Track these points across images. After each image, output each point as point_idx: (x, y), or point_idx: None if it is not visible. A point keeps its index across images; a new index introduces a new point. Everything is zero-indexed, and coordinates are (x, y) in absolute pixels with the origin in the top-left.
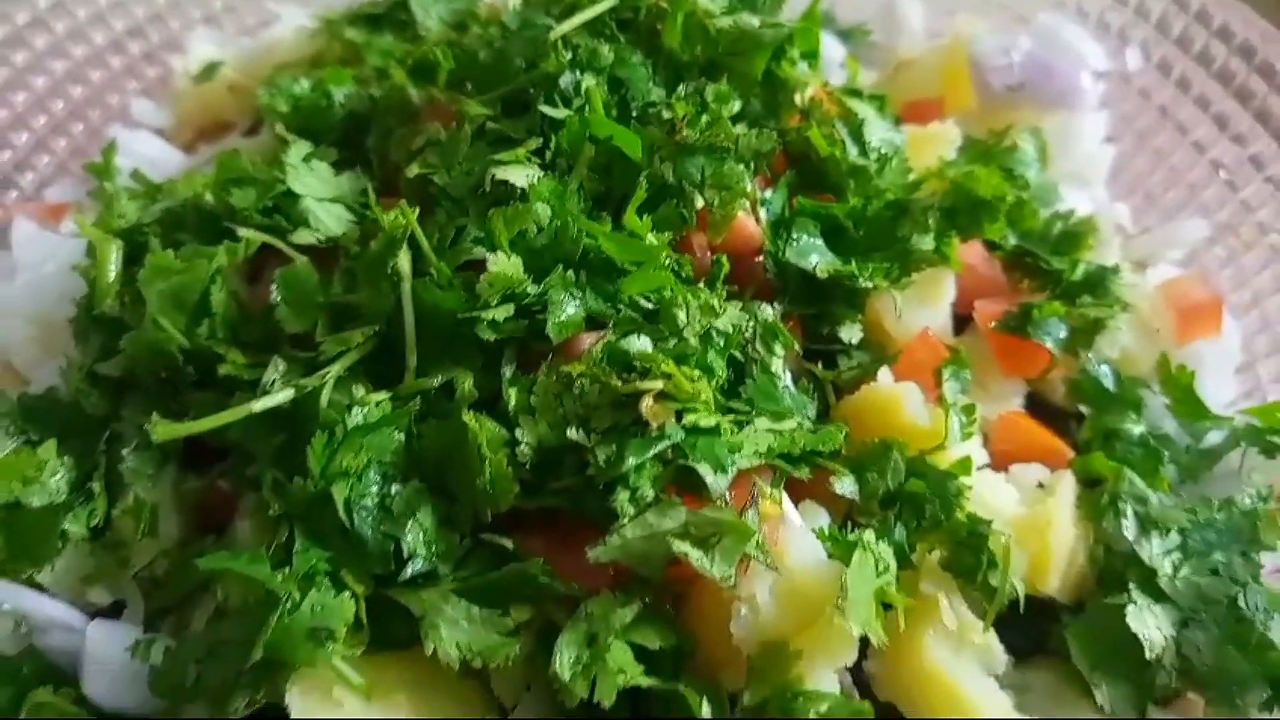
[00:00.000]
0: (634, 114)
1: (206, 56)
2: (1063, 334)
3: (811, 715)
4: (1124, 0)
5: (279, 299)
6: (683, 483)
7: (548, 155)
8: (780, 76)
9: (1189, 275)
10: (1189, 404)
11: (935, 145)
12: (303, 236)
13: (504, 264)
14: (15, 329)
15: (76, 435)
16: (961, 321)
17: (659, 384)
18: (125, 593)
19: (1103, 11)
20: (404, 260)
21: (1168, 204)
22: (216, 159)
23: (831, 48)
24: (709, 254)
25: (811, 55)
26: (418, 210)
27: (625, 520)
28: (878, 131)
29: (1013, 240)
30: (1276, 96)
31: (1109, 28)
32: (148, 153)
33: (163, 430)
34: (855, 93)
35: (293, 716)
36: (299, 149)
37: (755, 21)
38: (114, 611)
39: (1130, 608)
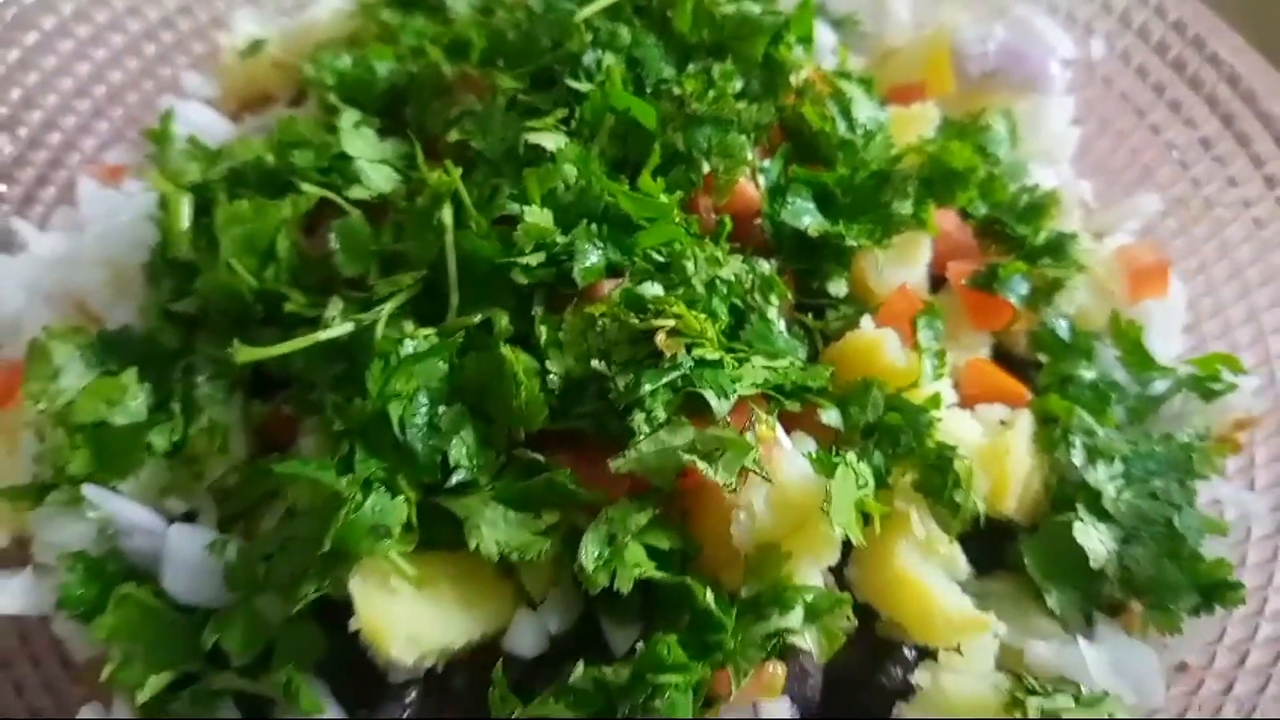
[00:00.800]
0: (648, 89)
1: (251, 34)
2: (1025, 291)
3: (799, 605)
4: None
5: (337, 246)
6: (690, 407)
7: (573, 124)
8: (778, 58)
9: (1141, 242)
10: (1137, 355)
11: (916, 124)
12: (356, 192)
13: (537, 216)
14: (90, 275)
15: (152, 366)
16: (937, 282)
17: (671, 322)
18: (199, 502)
19: (1071, 5)
20: (447, 214)
21: (1126, 181)
22: (277, 125)
23: (824, 35)
24: (714, 214)
25: (806, 40)
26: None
27: (641, 438)
28: (864, 109)
29: (984, 210)
30: (1223, 84)
31: (1076, 20)
32: (199, 121)
33: (244, 354)
34: (845, 75)
35: (355, 603)
36: (349, 115)
37: (756, 9)
38: (188, 519)
39: (1077, 524)
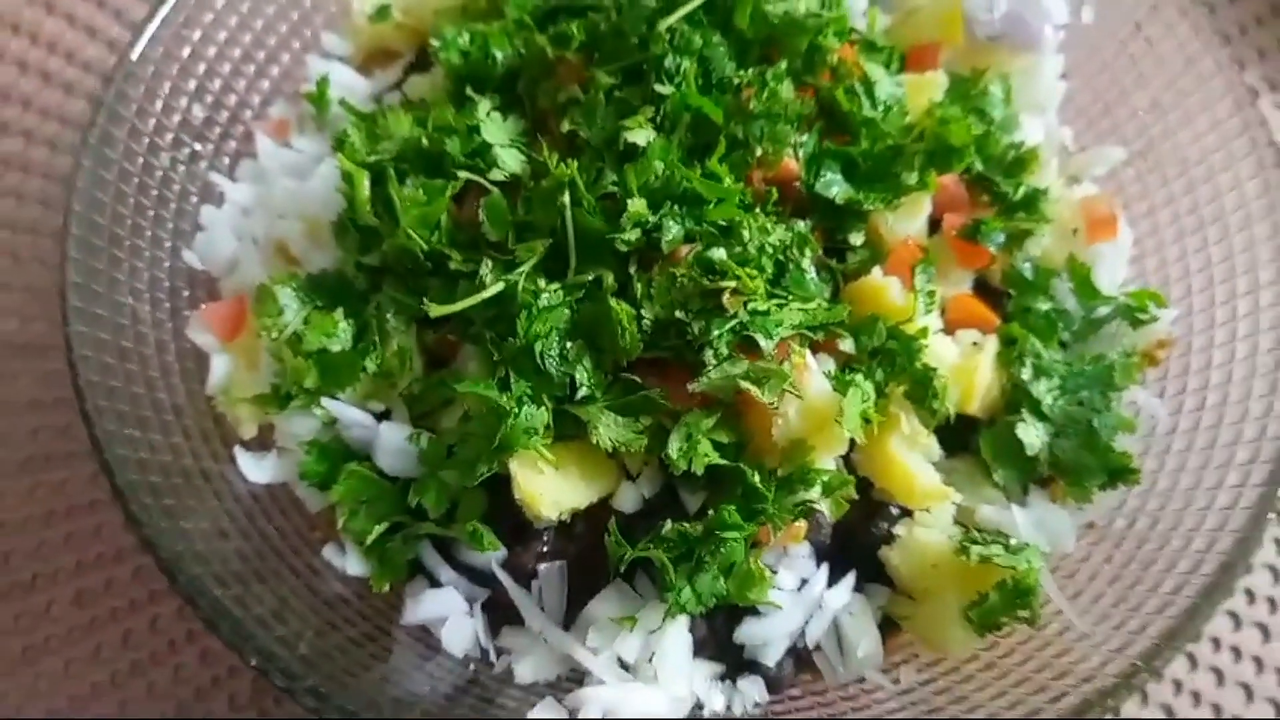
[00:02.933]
0: (715, 80)
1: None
2: (1001, 240)
3: (818, 484)
4: None
5: (484, 218)
6: (745, 344)
7: (658, 119)
8: (819, 47)
9: (1100, 194)
10: (1085, 288)
11: (928, 90)
12: (495, 175)
13: (637, 205)
14: (289, 227)
15: (349, 303)
16: (935, 224)
17: (733, 283)
18: (393, 404)
19: None
20: (566, 196)
21: (1100, 130)
22: (431, 117)
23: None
24: (764, 184)
25: (841, 34)
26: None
27: (710, 368)
28: (885, 88)
29: (979, 166)
30: (1179, 61)
31: None
32: (342, 80)
33: (435, 310)
34: (871, 45)
35: (515, 479)
36: (484, 105)
37: (802, 8)
38: (385, 416)
39: (1020, 424)
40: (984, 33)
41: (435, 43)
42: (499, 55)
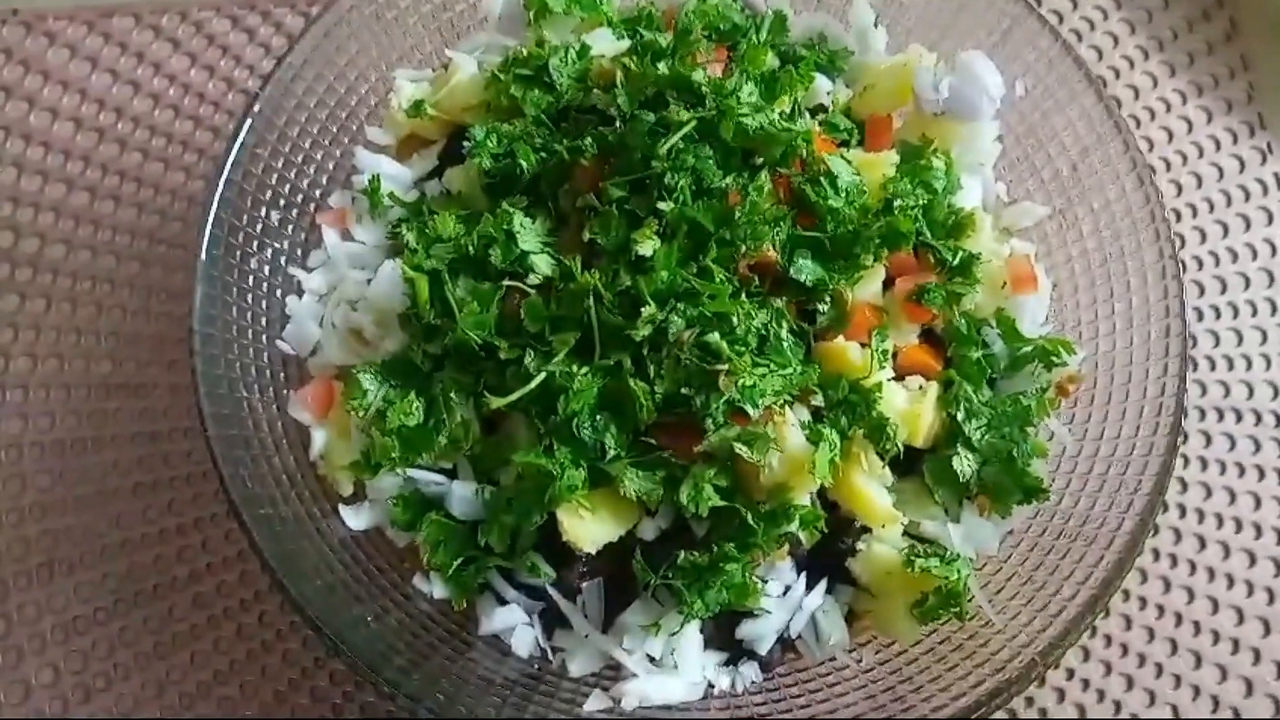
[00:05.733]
0: (705, 189)
1: (411, 94)
2: (941, 301)
3: (797, 518)
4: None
5: (525, 316)
6: (738, 412)
7: (661, 228)
8: (792, 149)
9: (1022, 256)
10: (1011, 334)
11: (881, 166)
12: (532, 280)
13: (650, 310)
14: (362, 317)
15: (418, 383)
16: (890, 280)
17: (727, 366)
18: (459, 463)
19: (1002, 59)
20: (590, 299)
21: (1029, 186)
22: (477, 230)
23: (821, 81)
24: (748, 271)
25: (808, 140)
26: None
27: (711, 433)
28: (845, 178)
29: (926, 233)
30: (1090, 134)
31: (1006, 68)
32: (387, 170)
33: (495, 402)
34: (834, 126)
35: (561, 523)
36: (518, 217)
37: (776, 119)
38: (453, 472)
39: (955, 458)
40: (930, 109)
41: (468, 144)
42: (524, 163)
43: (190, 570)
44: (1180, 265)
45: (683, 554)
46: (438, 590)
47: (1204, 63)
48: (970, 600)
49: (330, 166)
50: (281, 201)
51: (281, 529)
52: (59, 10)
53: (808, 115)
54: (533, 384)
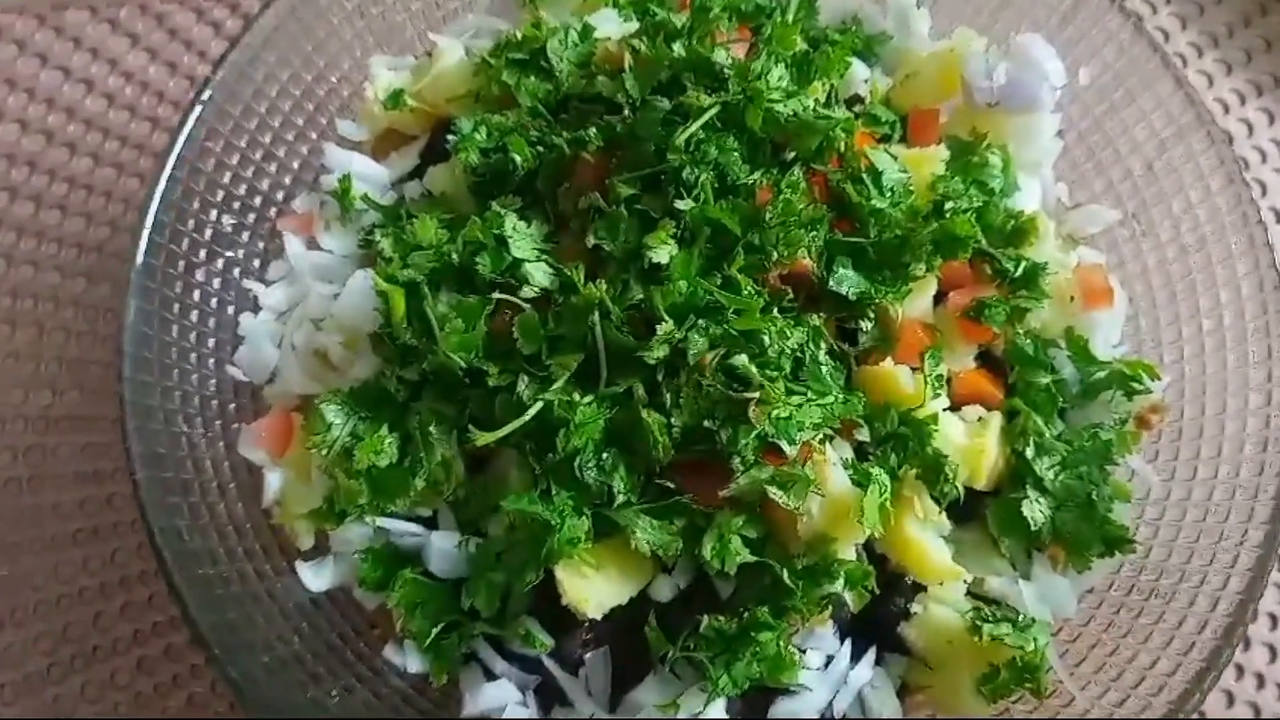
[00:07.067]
0: (730, 185)
1: (389, 83)
2: (1002, 318)
3: (841, 576)
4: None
5: (518, 335)
6: (770, 449)
7: (679, 231)
8: (829, 142)
9: (1095, 265)
10: (1082, 356)
11: (930, 164)
12: (526, 292)
13: (666, 328)
14: (328, 339)
15: (392, 414)
16: (940, 294)
17: (757, 394)
18: (440, 508)
19: (1064, 43)
20: (596, 315)
21: (1094, 188)
22: (462, 235)
23: (858, 68)
24: (779, 282)
25: (849, 131)
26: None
27: (739, 474)
28: (890, 174)
29: (980, 240)
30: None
31: (1068, 52)
32: (361, 170)
33: (482, 439)
34: (874, 118)
35: (560, 584)
36: (510, 219)
37: (810, 105)
38: (433, 519)
39: (1024, 502)
40: (983, 99)
41: (452, 138)
42: (518, 159)
43: (135, 630)
44: None
45: (706, 619)
46: (413, 663)
47: (1262, 60)
48: (1048, 673)
49: (295, 165)
50: (237, 204)
51: (224, 592)
52: (6, 4)
53: (843, 106)
54: (527, 416)
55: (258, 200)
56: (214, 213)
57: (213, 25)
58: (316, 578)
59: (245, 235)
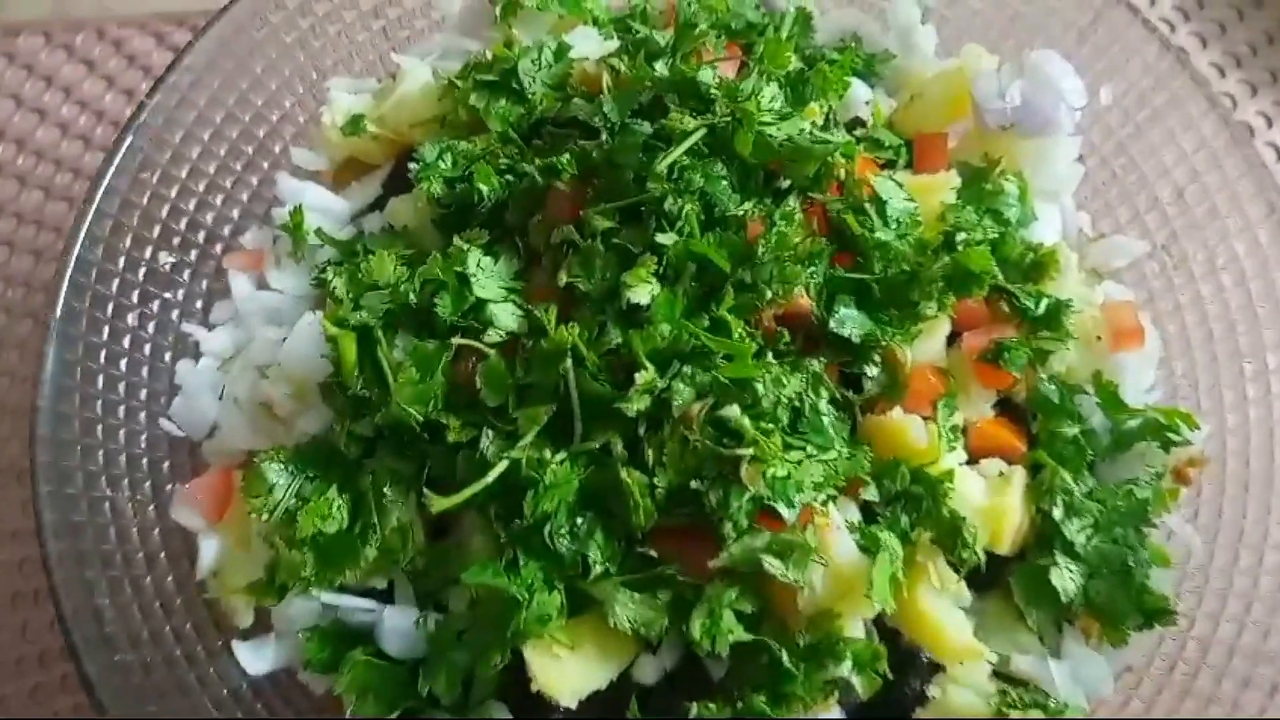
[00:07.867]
0: (718, 218)
1: (348, 108)
2: (1023, 361)
3: (848, 657)
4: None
5: (482, 385)
6: (766, 512)
7: (661, 268)
8: (828, 167)
9: (1123, 302)
10: (1112, 404)
11: (938, 191)
12: (491, 337)
13: (646, 376)
14: (274, 389)
15: (342, 473)
16: (954, 335)
17: (750, 450)
18: (396, 578)
19: (1084, 59)
20: (568, 361)
21: (1119, 218)
22: (420, 273)
23: (858, 88)
24: (774, 323)
25: (849, 156)
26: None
27: (730, 542)
28: (896, 203)
29: (996, 274)
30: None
31: (1088, 70)
32: (316, 201)
33: (438, 505)
34: (877, 143)
35: (530, 668)
36: (474, 256)
37: (806, 128)
38: (388, 591)
39: (1053, 569)
40: (995, 121)
41: (414, 166)
42: (485, 190)
43: (75, 703)
44: None
45: (695, 706)
46: None
47: None
48: None
49: (244, 197)
50: (176, 240)
51: (144, 681)
52: None
53: (843, 130)
54: (491, 475)
55: (200, 236)
56: (149, 250)
57: (173, 50)
58: (256, 659)
59: (186, 274)
